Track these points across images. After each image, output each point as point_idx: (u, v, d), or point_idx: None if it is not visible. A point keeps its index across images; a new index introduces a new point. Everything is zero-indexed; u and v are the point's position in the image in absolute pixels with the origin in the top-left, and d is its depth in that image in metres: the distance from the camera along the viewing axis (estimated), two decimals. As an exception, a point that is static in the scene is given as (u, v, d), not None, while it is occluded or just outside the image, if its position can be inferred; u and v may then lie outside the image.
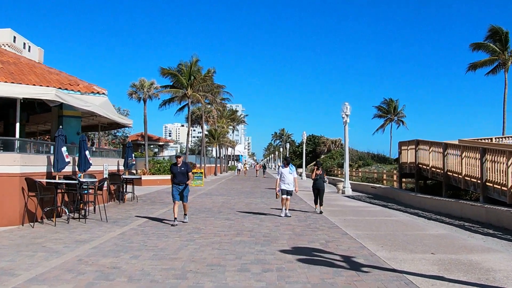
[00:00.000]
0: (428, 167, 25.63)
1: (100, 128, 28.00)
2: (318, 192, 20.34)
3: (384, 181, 38.79)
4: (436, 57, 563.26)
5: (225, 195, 30.67)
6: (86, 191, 17.68)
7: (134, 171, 47.13)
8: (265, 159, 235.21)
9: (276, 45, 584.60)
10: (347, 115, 33.35)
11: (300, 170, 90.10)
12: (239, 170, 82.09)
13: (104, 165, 22.98)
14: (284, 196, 18.61)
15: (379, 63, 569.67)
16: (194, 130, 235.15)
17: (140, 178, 39.22)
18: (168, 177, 42.01)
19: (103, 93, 22.30)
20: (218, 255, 10.69)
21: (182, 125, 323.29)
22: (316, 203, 20.70)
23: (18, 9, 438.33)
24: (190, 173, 16.52)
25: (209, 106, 70.92)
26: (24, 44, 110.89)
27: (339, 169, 62.22)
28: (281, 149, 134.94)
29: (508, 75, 53.02)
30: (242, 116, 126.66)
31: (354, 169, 57.54)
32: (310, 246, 12.09)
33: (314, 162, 22.35)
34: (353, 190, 34.04)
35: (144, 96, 43.50)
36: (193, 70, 50.16)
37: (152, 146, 70.20)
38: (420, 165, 26.87)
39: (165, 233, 13.91)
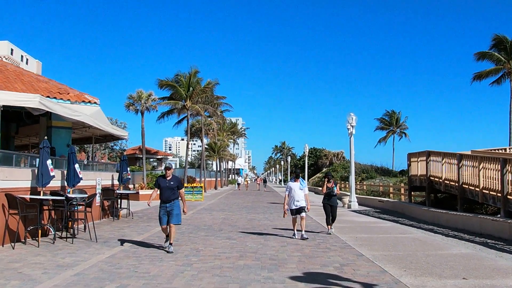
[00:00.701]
0: (440, 180, 24.12)
1: (94, 140, 26.62)
2: (331, 210, 17.61)
3: (391, 195, 37.35)
4: (439, 68, 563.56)
5: (226, 210, 29.20)
6: (75, 208, 16.19)
7: (132, 186, 45.94)
8: (266, 173, 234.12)
9: (275, 58, 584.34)
10: (352, 126, 31.99)
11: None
12: (239, 184, 78.64)
13: (97, 179, 21.65)
14: (294, 216, 16.29)
15: (380, 75, 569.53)
16: (194, 144, 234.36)
17: (138, 193, 37.87)
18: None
19: (95, 103, 20.89)
20: (219, 284, 9.23)
21: (182, 139, 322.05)
22: (328, 223, 17.70)
23: (16, 21, 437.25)
24: (181, 191, 13.81)
25: (209, 119, 69.65)
26: (22, 56, 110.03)
27: (342, 182, 60.74)
28: (282, 162, 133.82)
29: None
30: (242, 129, 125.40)
31: (358, 182, 56.12)
32: (324, 271, 10.63)
33: (325, 174, 19.09)
34: (359, 204, 32.67)
35: (141, 108, 42.08)
36: (192, 82, 48.77)
37: (150, 159, 68.79)
38: (431, 178, 25.39)
39: (160, 256, 12.47)
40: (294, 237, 16.07)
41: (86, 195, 17.19)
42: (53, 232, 15.01)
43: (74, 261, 11.56)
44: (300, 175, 16.62)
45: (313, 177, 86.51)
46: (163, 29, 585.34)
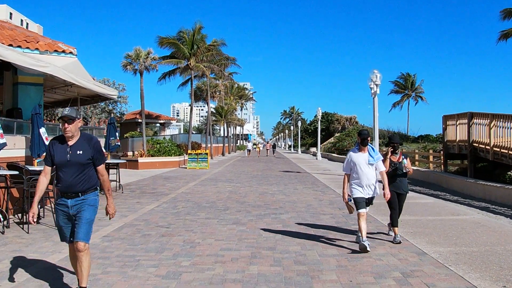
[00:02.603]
0: (488, 147, 20.27)
1: (79, 101, 22.91)
2: (398, 200, 10.84)
3: (417, 163, 33.51)
4: (459, 30, 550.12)
5: (233, 181, 25.58)
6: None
7: (131, 153, 42.40)
8: (274, 138, 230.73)
9: (283, 19, 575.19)
10: (376, 85, 28.08)
11: (313, 149, 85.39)
12: (249, 150, 72.86)
13: (77, 147, 17.93)
14: (363, 211, 9.34)
15: (395, 36, 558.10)
16: (202, 109, 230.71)
17: (137, 161, 34.58)
18: (170, 158, 37.64)
19: (71, 52, 17.04)
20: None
21: (190, 105, 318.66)
22: (394, 222, 10.54)
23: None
24: (101, 167, 6.79)
25: (216, 82, 65.76)
26: (22, 21, 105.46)
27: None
28: (292, 128, 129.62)
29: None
30: (250, 93, 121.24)
31: (374, 148, 52.52)
32: (381, 285, 6.98)
33: (388, 140, 11.56)
34: (383, 173, 28.90)
35: (140, 67, 38.18)
36: (196, 39, 44.38)
37: (152, 124, 65.07)
38: (475, 144, 21.60)
39: (138, 255, 8.84)
40: (364, 243, 9.03)
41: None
42: (1, 219, 11.29)
43: (14, 264, 8.03)
44: (368, 140, 9.68)
45: (324, 143, 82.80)
46: None
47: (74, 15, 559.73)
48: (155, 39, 43.08)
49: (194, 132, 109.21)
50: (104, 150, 20.16)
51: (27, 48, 16.00)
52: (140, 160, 35.86)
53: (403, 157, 10.80)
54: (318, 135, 61.06)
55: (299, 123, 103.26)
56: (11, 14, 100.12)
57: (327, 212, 14.17)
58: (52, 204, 12.67)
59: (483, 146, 20.76)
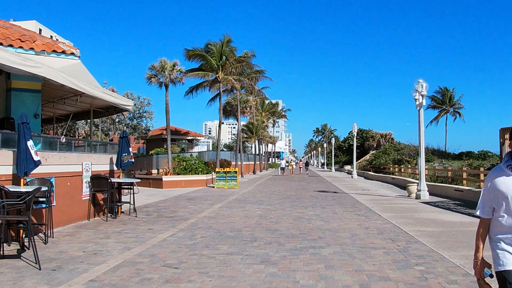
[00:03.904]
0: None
1: (92, 113, 20.59)
2: None
3: (464, 181, 30.49)
4: (497, 42, 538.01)
5: (264, 202, 22.87)
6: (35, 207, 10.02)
7: (155, 171, 40.00)
8: (306, 156, 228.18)
9: (315, 35, 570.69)
10: (422, 95, 25.41)
11: (347, 167, 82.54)
12: (283, 168, 67.58)
13: (84, 163, 15.58)
14: None
15: (431, 50, 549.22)
16: (233, 127, 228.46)
17: (161, 179, 32.41)
18: (197, 177, 35.10)
19: (72, 54, 14.64)
20: None
21: (222, 123, 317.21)
22: None
23: (44, 2, 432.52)
24: None
25: (247, 97, 63.31)
26: (51, 37, 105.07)
27: (395, 166, 54.12)
28: (325, 145, 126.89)
29: None
30: (282, 110, 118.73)
31: (410, 166, 49.66)
32: None
33: None
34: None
35: (165, 80, 35.85)
36: (224, 50, 41.94)
37: (180, 141, 62.60)
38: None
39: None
40: None
41: (46, 189, 11.20)
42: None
43: None
44: None
45: (359, 160, 79.84)
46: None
47: (100, 30, 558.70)
48: (182, 53, 40.86)
49: (225, 149, 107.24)
50: (115, 168, 17.85)
51: (20, 47, 13.72)
52: (165, 178, 33.54)
53: None
54: (353, 152, 58.11)
55: (333, 140, 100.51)
56: (40, 30, 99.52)
57: (378, 245, 11.44)
58: (44, 234, 10.16)
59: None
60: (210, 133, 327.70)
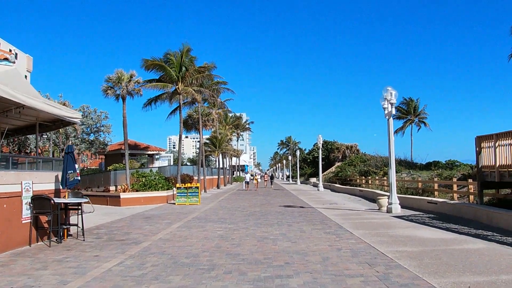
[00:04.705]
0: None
1: (38, 127, 18.89)
2: None
3: (436, 193, 29.30)
4: (459, 53, 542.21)
5: (226, 220, 21.32)
6: None
7: (113, 188, 38.16)
8: (271, 169, 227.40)
9: (277, 49, 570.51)
10: (391, 104, 24.25)
11: (313, 180, 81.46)
12: (248, 182, 63.11)
13: (23, 183, 13.93)
14: None
15: (396, 61, 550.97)
16: (198, 141, 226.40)
17: (119, 196, 30.60)
18: (157, 193, 33.39)
19: (6, 59, 13.03)
20: None
21: (187, 137, 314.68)
22: None
23: (3, 15, 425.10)
24: None
25: (209, 110, 61.78)
26: (10, 50, 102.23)
27: (362, 177, 53.04)
28: (290, 158, 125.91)
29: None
30: (246, 123, 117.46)
31: (377, 177, 48.69)
32: None
33: None
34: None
35: (122, 92, 34.22)
36: (184, 61, 40.36)
37: (140, 156, 60.63)
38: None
39: None
40: None
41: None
42: None
43: None
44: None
45: (325, 172, 78.75)
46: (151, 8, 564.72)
47: (55, 42, 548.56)
48: (140, 63, 38.98)
49: (188, 164, 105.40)
50: (61, 187, 16.24)
51: None
52: (122, 195, 31.84)
53: None
54: (319, 164, 56.88)
55: (297, 153, 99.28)
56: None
57: (354, 271, 10.00)
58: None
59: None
60: (174, 148, 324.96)
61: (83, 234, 15.94)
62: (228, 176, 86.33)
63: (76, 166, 16.29)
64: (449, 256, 11.63)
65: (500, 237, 14.79)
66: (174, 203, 32.36)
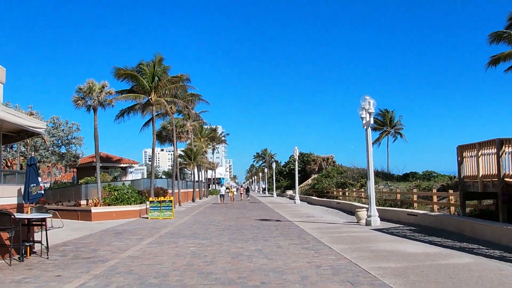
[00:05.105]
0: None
1: (2, 138, 17.92)
2: None
3: (415, 204, 28.70)
4: (434, 62, 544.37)
5: (199, 235, 20.43)
6: None
7: (84, 202, 37.13)
8: (247, 182, 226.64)
9: (252, 57, 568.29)
10: (370, 113, 23.70)
11: (289, 192, 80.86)
12: (223, 196, 61.56)
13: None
14: None
15: (373, 73, 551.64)
16: (173, 154, 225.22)
17: (89, 211, 29.84)
18: (129, 207, 32.40)
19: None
20: None
21: (162, 150, 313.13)
22: None
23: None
24: None
25: (184, 122, 60.90)
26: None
27: (339, 189, 52.51)
28: (266, 170, 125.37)
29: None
30: (222, 136, 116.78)
31: (355, 189, 48.19)
32: None
33: None
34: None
35: (93, 103, 33.31)
36: (157, 71, 39.40)
37: (113, 169, 59.42)
38: (508, 180, 16.84)
39: None
40: None
41: None
42: None
43: None
44: None
45: (301, 185, 78.21)
46: (120, 17, 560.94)
47: (25, 53, 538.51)
48: (112, 71, 37.90)
49: (163, 177, 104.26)
50: (23, 201, 15.33)
51: None
52: (94, 210, 30.86)
53: None
54: (295, 176, 56.25)
55: (273, 165, 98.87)
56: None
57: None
58: None
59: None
60: (150, 161, 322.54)
61: (47, 252, 14.98)
62: (203, 189, 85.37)
63: (39, 179, 15.43)
64: (436, 272, 10.93)
65: (486, 250, 14.17)
66: (147, 218, 31.44)
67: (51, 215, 17.45)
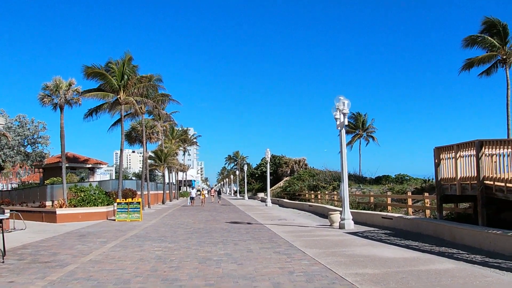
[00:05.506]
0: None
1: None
2: None
3: (389, 207, 28.14)
4: (407, 64, 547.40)
5: (167, 238, 19.58)
6: None
7: (49, 203, 36.08)
8: (219, 184, 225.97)
9: (224, 58, 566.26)
10: (344, 114, 23.14)
11: (261, 195, 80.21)
12: (193, 198, 60.61)
13: None
14: None
15: (346, 72, 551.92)
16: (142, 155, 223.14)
17: (55, 212, 28.63)
18: (96, 209, 31.41)
19: None
20: None
21: (134, 151, 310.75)
22: None
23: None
24: None
25: (154, 123, 59.87)
26: None
27: (311, 192, 51.95)
28: (237, 172, 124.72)
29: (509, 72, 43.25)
30: (193, 137, 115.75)
31: (327, 192, 47.61)
32: None
33: None
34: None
35: (60, 101, 32.29)
36: (126, 70, 38.53)
37: (80, 169, 58.13)
38: (488, 182, 16.30)
39: None
40: None
41: None
42: None
43: None
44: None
45: (273, 187, 77.59)
46: (92, 12, 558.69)
47: None
48: (80, 69, 36.84)
49: (133, 178, 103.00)
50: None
51: None
52: (59, 211, 29.83)
53: None
54: (267, 179, 55.52)
55: (245, 167, 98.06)
56: None
57: None
58: None
59: (502, 184, 15.43)
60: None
61: (2, 256, 14.05)
62: (174, 192, 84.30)
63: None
64: (417, 279, 10.25)
65: (467, 255, 13.53)
66: (115, 220, 30.49)
67: (7, 216, 16.51)
